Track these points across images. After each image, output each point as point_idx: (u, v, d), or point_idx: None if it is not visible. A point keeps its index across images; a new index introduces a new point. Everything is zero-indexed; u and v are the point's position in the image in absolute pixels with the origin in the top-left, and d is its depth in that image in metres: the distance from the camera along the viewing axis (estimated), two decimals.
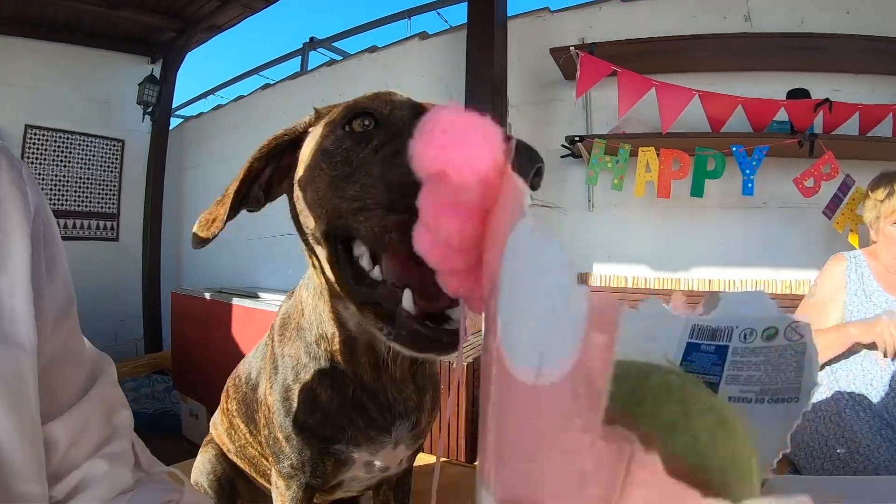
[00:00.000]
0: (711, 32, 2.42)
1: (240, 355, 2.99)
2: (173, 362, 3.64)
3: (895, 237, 1.79)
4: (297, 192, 0.65)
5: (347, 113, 0.59)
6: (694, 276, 2.57)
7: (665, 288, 2.53)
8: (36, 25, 4.34)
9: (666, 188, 2.32)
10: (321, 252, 0.63)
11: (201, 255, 4.44)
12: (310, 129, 0.70)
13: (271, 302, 2.85)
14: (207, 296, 3.25)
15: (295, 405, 0.82)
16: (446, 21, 3.48)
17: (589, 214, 2.74)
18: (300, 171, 0.66)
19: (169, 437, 3.45)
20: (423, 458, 1.69)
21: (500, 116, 2.51)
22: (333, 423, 0.80)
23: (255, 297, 3.14)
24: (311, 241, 0.65)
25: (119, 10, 4.10)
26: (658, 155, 2.33)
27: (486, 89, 2.43)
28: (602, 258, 2.69)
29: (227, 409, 1.10)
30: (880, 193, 1.84)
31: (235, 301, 2.98)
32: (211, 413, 3.44)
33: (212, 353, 3.05)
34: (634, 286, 2.59)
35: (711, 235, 2.58)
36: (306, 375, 0.81)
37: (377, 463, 0.86)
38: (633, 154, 2.37)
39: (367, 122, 0.58)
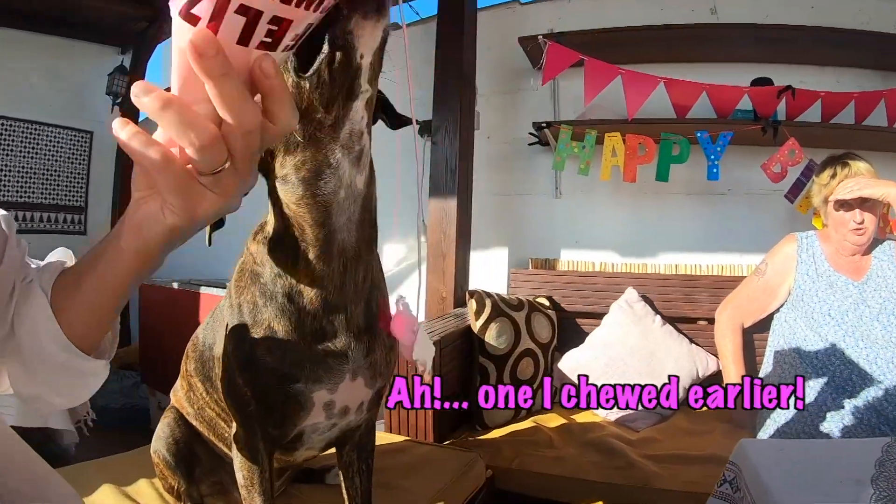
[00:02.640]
0: (675, 23, 2.46)
1: None
2: (141, 356, 3.59)
3: (842, 219, 1.84)
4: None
5: None
6: (661, 261, 2.61)
7: (631, 272, 2.56)
8: (4, 13, 4.24)
9: (632, 173, 2.36)
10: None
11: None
12: None
13: None
14: (175, 285, 3.24)
15: (253, 346, 0.83)
16: (417, 13, 3.48)
17: (556, 201, 2.76)
18: None
19: (137, 431, 3.39)
20: (388, 438, 1.70)
21: (469, 106, 2.50)
22: (293, 357, 0.82)
23: (223, 287, 3.11)
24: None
25: None
26: (624, 141, 2.36)
27: (455, 79, 2.43)
28: (570, 244, 2.73)
29: (186, 371, 1.11)
30: (825, 177, 1.90)
31: (203, 290, 2.96)
32: None
33: (180, 344, 3.01)
34: (600, 271, 2.62)
35: (678, 222, 2.63)
36: (264, 315, 0.82)
37: (337, 403, 0.87)
38: (600, 142, 2.40)
39: None
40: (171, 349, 3.06)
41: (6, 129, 4.39)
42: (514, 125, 2.80)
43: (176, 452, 1.12)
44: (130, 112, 4.58)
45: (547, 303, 2.35)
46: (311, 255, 0.78)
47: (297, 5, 0.38)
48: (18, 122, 4.43)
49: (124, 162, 4.58)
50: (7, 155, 4.40)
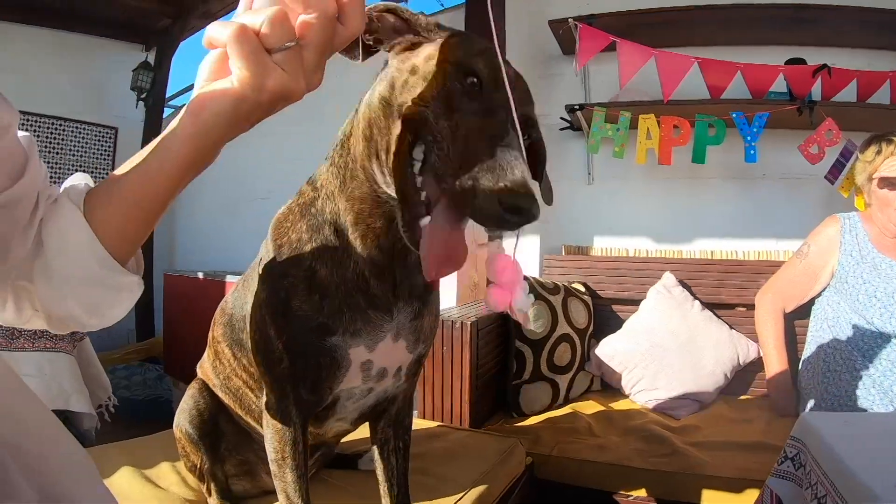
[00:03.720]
0: (708, 4, 2.40)
1: None
2: (165, 347, 3.60)
3: (886, 198, 1.78)
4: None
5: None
6: (696, 247, 2.55)
7: (667, 257, 2.51)
8: (29, 10, 4.30)
9: (667, 155, 2.31)
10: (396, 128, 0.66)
11: (193, 242, 4.41)
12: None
13: None
14: (200, 275, 3.24)
15: (290, 292, 0.78)
16: (441, 4, 3.48)
17: (588, 188, 2.71)
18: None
19: (161, 423, 3.40)
20: (422, 423, 1.66)
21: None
22: (332, 305, 0.77)
23: None
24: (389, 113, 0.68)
25: None
26: (658, 123, 2.31)
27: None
28: (603, 231, 2.68)
29: (213, 339, 1.07)
30: (869, 154, 1.85)
31: (229, 279, 2.95)
32: None
33: (205, 334, 3.02)
34: (635, 256, 2.57)
35: (712, 207, 2.56)
36: (306, 252, 0.79)
37: (374, 363, 0.83)
38: (634, 125, 2.35)
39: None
40: (195, 341, 3.07)
41: (32, 126, 4.45)
42: (545, 110, 2.75)
43: (199, 425, 1.06)
44: (155, 108, 4.63)
45: (582, 288, 2.30)
46: (356, 192, 0.77)
47: None
48: (44, 119, 4.49)
49: None
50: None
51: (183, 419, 1.08)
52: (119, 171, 0.57)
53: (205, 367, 1.12)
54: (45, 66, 4.47)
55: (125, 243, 0.58)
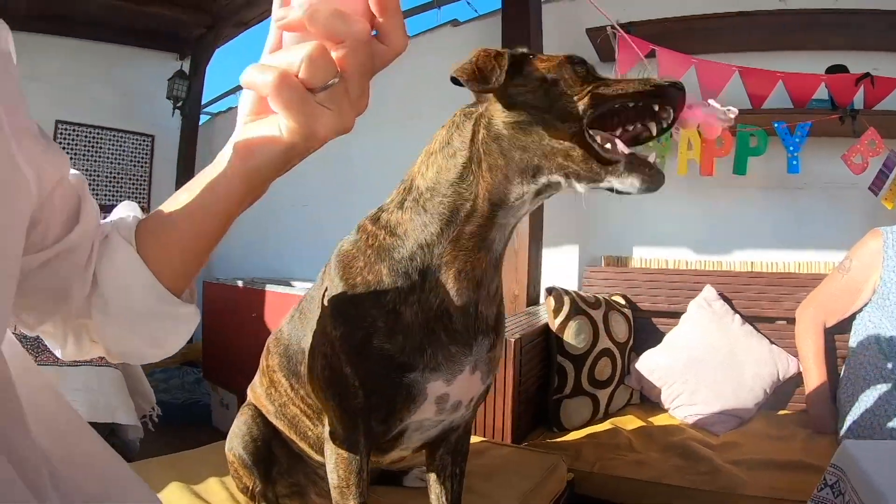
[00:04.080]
0: (746, 10, 2.37)
1: None
2: (204, 353, 3.64)
3: None
4: None
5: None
6: (736, 258, 2.52)
7: (707, 269, 2.49)
8: (65, 22, 4.40)
9: (709, 166, 2.28)
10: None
11: (233, 249, 4.45)
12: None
13: (306, 290, 2.84)
14: (240, 284, 3.27)
15: (370, 331, 0.79)
16: (475, 10, 3.47)
17: (628, 197, 2.66)
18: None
19: (199, 427, 3.47)
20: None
21: None
22: (413, 343, 0.79)
23: (288, 284, 3.15)
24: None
25: (148, 7, 4.14)
26: (699, 133, 2.29)
27: None
28: (642, 241, 2.65)
29: (268, 367, 1.08)
30: None
31: (269, 288, 2.98)
32: (242, 402, 3.43)
33: (244, 342, 3.06)
34: (675, 268, 2.55)
35: (754, 217, 2.53)
36: (389, 295, 0.80)
37: (451, 395, 0.85)
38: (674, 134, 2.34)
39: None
40: (234, 347, 3.15)
41: (71, 134, 4.56)
42: None
43: (254, 451, 1.08)
44: (191, 116, 4.72)
45: (623, 301, 2.30)
46: (467, 229, 0.79)
47: None
48: (82, 128, 4.60)
49: (186, 164, 4.68)
50: (72, 159, 4.52)
51: (237, 444, 1.10)
52: (167, 206, 0.58)
53: (257, 393, 1.13)
54: (82, 76, 4.58)
55: (180, 278, 0.59)
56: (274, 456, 1.12)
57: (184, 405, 3.68)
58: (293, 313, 1.03)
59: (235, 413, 3.41)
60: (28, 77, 4.35)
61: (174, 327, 0.61)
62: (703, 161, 2.28)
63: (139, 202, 4.86)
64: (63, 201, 0.55)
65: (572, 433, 1.91)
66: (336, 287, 0.84)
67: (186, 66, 4.73)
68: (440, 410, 0.86)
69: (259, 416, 1.12)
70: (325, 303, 0.85)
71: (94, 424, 1.98)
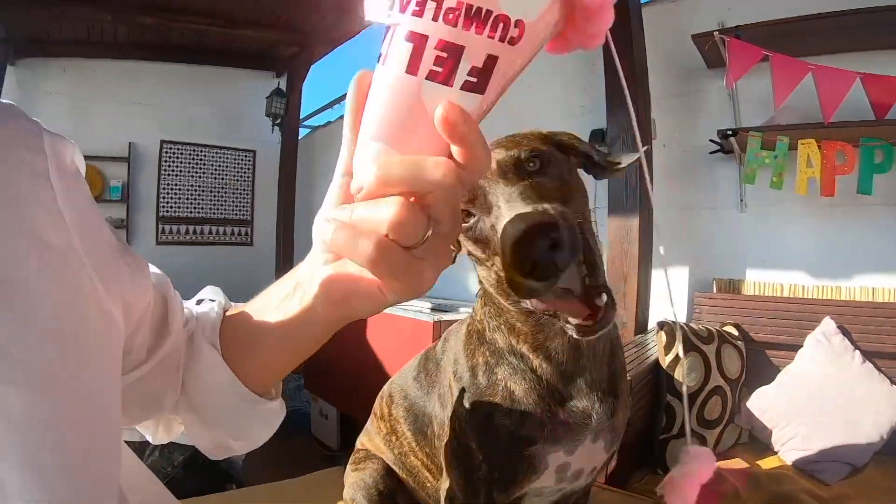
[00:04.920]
0: (866, 6, 2.10)
1: (375, 361, 3.00)
2: (306, 363, 3.74)
3: None
4: None
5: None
6: (857, 283, 2.25)
7: (825, 298, 2.26)
8: (164, 49, 4.74)
9: (830, 185, 2.07)
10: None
11: None
12: None
13: (408, 308, 2.85)
14: None
15: (491, 409, 0.81)
16: None
17: (741, 216, 2.48)
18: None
19: (298, 435, 3.61)
20: None
21: (644, 111, 2.36)
22: (532, 419, 0.79)
23: None
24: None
25: (241, 30, 4.35)
26: (820, 148, 2.08)
27: (627, 84, 2.29)
28: (756, 264, 2.43)
29: (390, 415, 1.08)
30: None
31: None
32: (342, 415, 3.49)
33: (345, 358, 3.13)
34: (792, 295, 2.33)
35: (878, 239, 2.23)
36: (498, 376, 0.82)
37: (572, 465, 0.83)
38: (792, 148, 2.13)
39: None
40: (335, 361, 3.24)
41: (176, 153, 4.89)
42: (691, 132, 2.58)
43: (378, 503, 1.08)
44: (289, 132, 4.91)
45: (735, 332, 2.13)
46: (521, 327, 0.79)
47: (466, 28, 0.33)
48: (186, 146, 4.92)
49: (286, 177, 4.87)
50: (178, 175, 4.90)
51: (360, 497, 1.09)
52: (256, 314, 0.58)
53: (375, 441, 1.13)
54: (184, 98, 4.91)
55: (269, 382, 0.60)
56: None
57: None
58: (418, 371, 1.03)
59: (335, 424, 3.49)
60: (133, 102, 4.73)
61: (260, 423, 0.62)
62: (823, 179, 2.07)
63: (242, 215, 5.13)
64: (152, 316, 0.56)
65: None
66: (458, 361, 0.88)
67: (283, 84, 4.92)
68: (560, 479, 0.85)
69: (386, 470, 1.12)
70: (453, 378, 0.88)
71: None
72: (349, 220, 0.38)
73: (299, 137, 5.00)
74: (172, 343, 0.58)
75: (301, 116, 5.06)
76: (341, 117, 4.69)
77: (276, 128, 4.89)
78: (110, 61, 4.66)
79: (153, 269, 0.57)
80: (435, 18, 0.33)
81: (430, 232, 0.38)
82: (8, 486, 0.34)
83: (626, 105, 2.29)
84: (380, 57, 0.36)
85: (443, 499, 0.89)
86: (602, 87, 2.50)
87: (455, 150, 0.37)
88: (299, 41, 4.61)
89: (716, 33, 2.25)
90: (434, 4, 0.33)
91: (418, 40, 0.34)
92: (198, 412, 0.60)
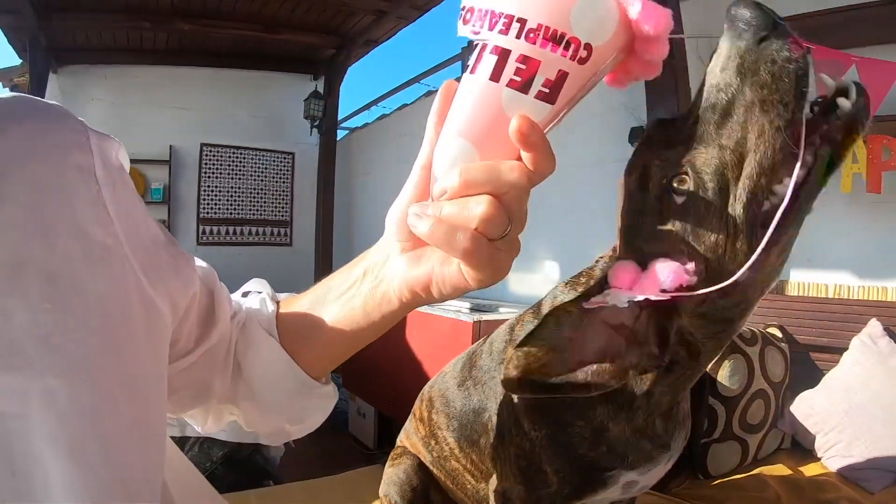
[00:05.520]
0: None
1: (414, 360, 3.01)
2: (344, 362, 3.78)
3: None
4: None
5: None
6: None
7: (872, 299, 2.18)
8: (203, 54, 4.87)
9: (876, 181, 2.00)
10: None
11: None
12: None
13: (447, 307, 2.85)
14: None
15: (575, 438, 0.78)
16: None
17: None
18: None
19: (335, 433, 3.64)
20: None
21: (684, 106, 2.30)
22: (616, 450, 0.77)
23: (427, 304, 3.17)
24: None
25: (278, 34, 4.43)
26: (865, 142, 2.01)
27: (667, 79, 2.26)
28: (800, 263, 2.36)
29: (428, 419, 1.08)
30: None
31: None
32: (379, 415, 3.51)
33: (384, 357, 3.14)
34: (836, 296, 2.26)
35: None
36: (597, 412, 0.77)
37: (640, 482, 0.83)
38: None
39: None
40: (374, 361, 3.26)
41: (216, 155, 5.01)
42: None
43: (412, 500, 1.09)
44: (328, 134, 4.98)
45: (779, 334, 2.07)
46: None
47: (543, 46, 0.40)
48: (227, 149, 5.03)
49: (325, 177, 4.94)
50: (219, 177, 5.03)
51: (394, 492, 1.11)
52: (313, 303, 0.61)
53: (413, 440, 1.14)
54: (223, 101, 5.02)
55: (325, 368, 0.63)
56: (431, 503, 1.13)
57: None
58: (463, 378, 1.01)
59: (372, 423, 3.51)
60: (173, 106, 4.86)
61: (316, 408, 0.66)
62: (869, 175, 2.00)
63: (282, 216, 5.22)
64: (198, 306, 0.58)
65: (717, 481, 1.77)
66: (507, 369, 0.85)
67: (321, 87, 4.99)
68: (624, 492, 0.86)
69: (420, 466, 1.13)
70: (531, 399, 0.84)
71: (238, 444, 2.14)
72: (440, 216, 0.43)
73: (337, 139, 5.06)
74: (220, 332, 0.60)
75: (339, 118, 5.13)
76: (379, 118, 4.73)
77: (315, 130, 4.97)
78: (150, 67, 4.83)
79: (199, 262, 0.60)
80: (518, 37, 0.40)
81: (510, 227, 0.44)
82: (52, 477, 0.36)
83: (666, 101, 2.28)
84: (468, 67, 0.43)
85: (492, 499, 0.89)
86: (641, 83, 2.46)
87: (525, 155, 0.42)
88: (336, 44, 4.67)
89: None
90: (518, 25, 0.40)
91: (502, 53, 0.40)
92: (257, 399, 0.63)
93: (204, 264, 0.61)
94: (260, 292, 0.67)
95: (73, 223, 0.40)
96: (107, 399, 0.40)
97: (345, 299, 0.57)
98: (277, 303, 0.65)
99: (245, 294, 0.68)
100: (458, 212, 0.43)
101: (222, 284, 0.63)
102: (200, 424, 0.69)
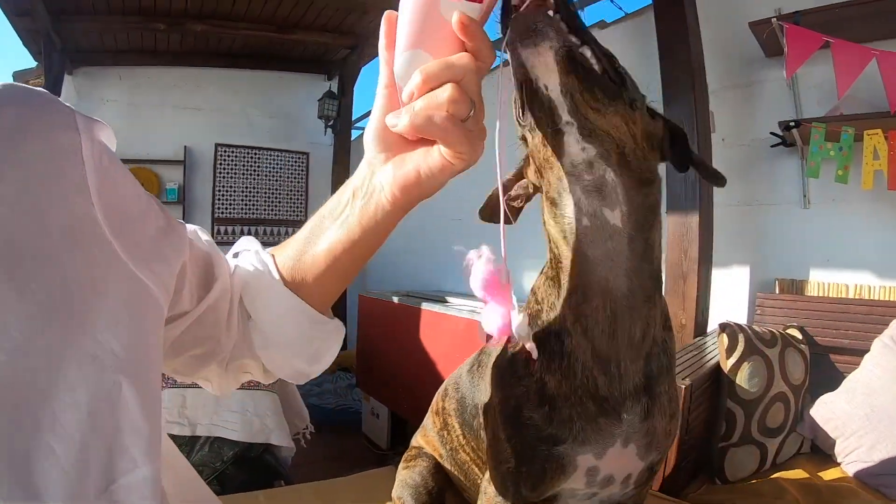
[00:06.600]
0: None
1: (427, 360, 2.99)
2: (357, 362, 3.76)
3: None
4: None
5: None
6: None
7: (894, 300, 2.12)
8: (217, 55, 4.89)
9: None
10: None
11: (386, 260, 4.59)
12: None
13: (460, 307, 2.84)
14: (395, 299, 3.30)
15: (521, 400, 0.78)
16: (621, 8, 3.28)
17: (804, 212, 2.35)
18: None
19: (349, 433, 3.66)
20: None
21: (703, 104, 2.28)
22: (561, 414, 0.75)
23: (443, 301, 3.14)
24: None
25: (292, 34, 4.44)
26: (886, 138, 1.96)
27: (682, 75, 2.22)
28: (820, 263, 2.30)
29: (443, 409, 1.08)
30: None
31: (424, 306, 2.99)
32: (393, 415, 3.49)
33: (397, 357, 3.14)
34: (857, 296, 2.20)
35: None
36: (537, 364, 0.77)
37: (601, 470, 0.79)
38: (857, 139, 2.02)
39: None
40: (387, 360, 3.25)
41: (231, 156, 5.03)
42: (751, 123, 2.47)
43: (427, 502, 1.08)
44: (342, 134, 4.98)
45: (799, 335, 2.03)
46: (566, 283, 0.73)
47: None
48: (241, 149, 5.05)
49: (339, 177, 4.95)
50: (233, 178, 5.05)
51: (407, 495, 1.09)
52: (307, 239, 0.64)
53: (430, 436, 1.13)
54: (237, 102, 5.04)
55: (327, 300, 0.67)
56: None
57: (335, 410, 3.87)
58: (472, 364, 1.02)
59: (386, 423, 3.49)
60: (187, 107, 4.90)
61: (327, 343, 0.70)
62: (891, 172, 1.95)
63: (297, 216, 5.24)
64: (194, 267, 0.61)
65: (735, 485, 1.73)
66: (499, 351, 0.85)
67: (335, 87, 4.99)
68: (590, 483, 0.81)
69: (435, 467, 1.11)
70: (492, 367, 0.87)
71: (249, 443, 2.14)
72: (415, 110, 0.50)
73: (352, 139, 5.07)
74: (221, 288, 0.64)
75: (353, 118, 5.13)
76: None
77: (329, 129, 4.98)
78: (165, 68, 4.87)
79: (204, 235, 0.66)
80: None
81: (474, 108, 0.51)
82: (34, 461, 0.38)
83: (683, 97, 2.24)
84: None
85: (482, 492, 0.88)
86: (658, 79, 2.42)
87: (469, 46, 0.50)
88: (350, 44, 4.67)
89: (773, 20, 2.15)
90: None
91: None
92: (272, 346, 0.68)
93: (207, 237, 0.67)
94: (249, 250, 0.70)
95: (59, 202, 0.43)
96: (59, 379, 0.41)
97: (340, 221, 0.61)
98: (272, 255, 0.68)
99: (236, 255, 0.71)
100: (429, 101, 0.49)
101: (217, 248, 0.67)
102: (215, 385, 0.72)
